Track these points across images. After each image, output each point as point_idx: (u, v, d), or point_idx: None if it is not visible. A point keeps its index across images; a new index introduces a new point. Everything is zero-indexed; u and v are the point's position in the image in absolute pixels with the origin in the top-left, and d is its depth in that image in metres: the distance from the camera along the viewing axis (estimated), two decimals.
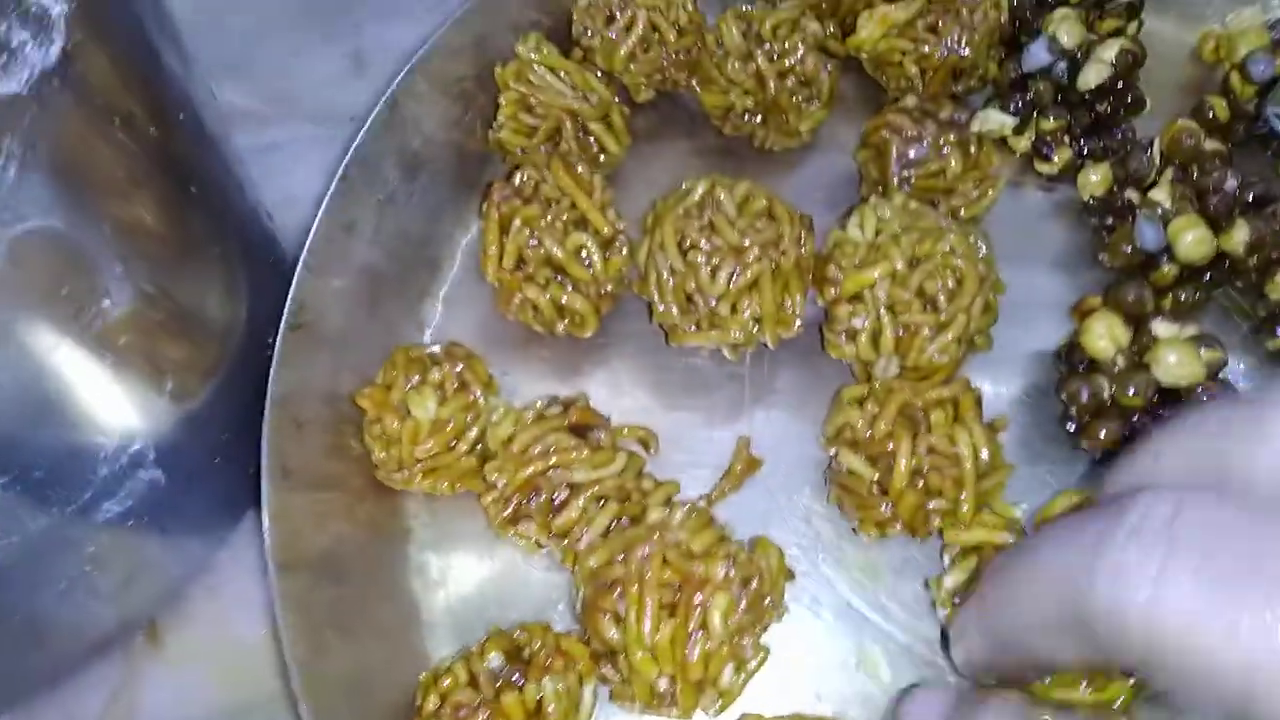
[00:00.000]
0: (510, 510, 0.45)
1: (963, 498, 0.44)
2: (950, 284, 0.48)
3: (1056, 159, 0.61)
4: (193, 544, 0.49)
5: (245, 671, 0.48)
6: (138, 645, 0.49)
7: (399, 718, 0.44)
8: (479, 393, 0.47)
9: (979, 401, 0.47)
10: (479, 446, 0.48)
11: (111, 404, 0.38)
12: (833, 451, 0.48)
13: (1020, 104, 0.60)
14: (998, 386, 0.54)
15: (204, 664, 0.49)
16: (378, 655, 0.46)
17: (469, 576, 0.50)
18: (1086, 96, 0.60)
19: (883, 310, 0.48)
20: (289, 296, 0.46)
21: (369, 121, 0.52)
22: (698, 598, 0.40)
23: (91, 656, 0.48)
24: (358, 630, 0.45)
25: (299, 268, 0.47)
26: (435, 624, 0.49)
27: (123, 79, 0.36)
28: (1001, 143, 0.61)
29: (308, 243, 0.48)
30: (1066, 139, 0.61)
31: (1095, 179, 0.60)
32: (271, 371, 0.45)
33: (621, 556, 0.42)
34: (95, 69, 0.33)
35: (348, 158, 0.51)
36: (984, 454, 0.45)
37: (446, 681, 0.42)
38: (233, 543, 0.51)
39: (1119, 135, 0.61)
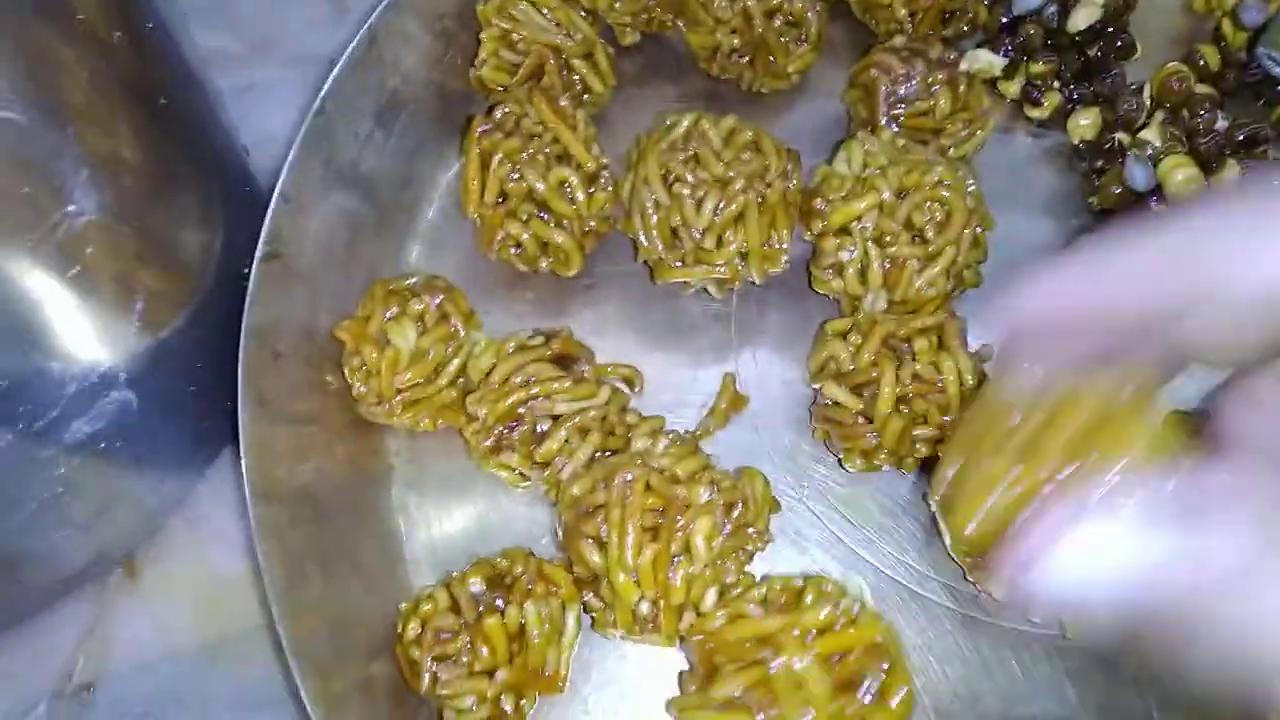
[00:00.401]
0: (492, 440, 0.45)
1: (948, 420, 0.44)
2: (939, 216, 0.48)
3: (1046, 103, 0.60)
4: (169, 476, 0.48)
5: (224, 605, 0.47)
6: (114, 580, 0.48)
7: (382, 647, 0.43)
8: (459, 325, 0.47)
9: (964, 330, 0.46)
10: (460, 380, 0.47)
11: (79, 320, 0.37)
12: (817, 386, 0.48)
13: (1010, 48, 0.60)
14: (986, 327, 0.53)
15: (182, 598, 0.48)
16: (359, 587, 0.45)
17: (452, 514, 0.49)
18: (1076, 40, 0.60)
19: (870, 243, 0.48)
20: (264, 226, 0.46)
21: (346, 55, 0.51)
22: (680, 521, 0.40)
23: (66, 591, 0.47)
24: (338, 563, 0.45)
25: (274, 197, 0.46)
26: (418, 560, 0.48)
27: (97, 4, 0.36)
28: (992, 87, 0.61)
29: (283, 173, 0.47)
30: (1056, 83, 0.61)
31: (1085, 122, 0.59)
32: (247, 299, 0.44)
33: (604, 484, 0.41)
34: None
35: (324, 90, 0.50)
36: (969, 379, 0.44)
37: (427, 606, 0.41)
38: (211, 477, 0.50)
39: (1109, 80, 0.60)
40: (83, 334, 0.38)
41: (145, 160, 0.40)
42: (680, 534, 0.40)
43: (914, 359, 0.45)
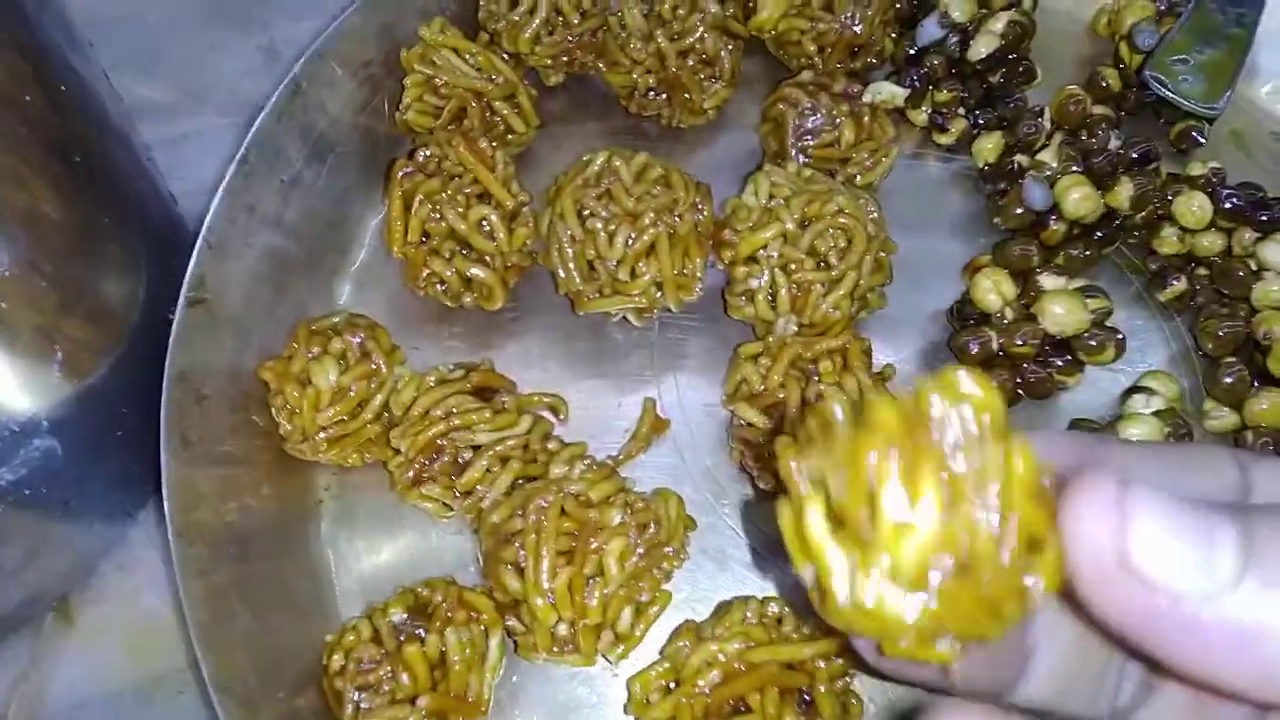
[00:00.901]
0: (414, 473, 0.46)
1: None
2: (841, 243, 0.50)
3: (952, 129, 0.63)
4: (99, 520, 0.49)
5: (157, 645, 0.48)
6: (48, 624, 0.49)
7: (309, 680, 0.44)
8: (381, 361, 0.48)
9: (868, 352, 0.49)
10: (385, 415, 0.49)
11: None
12: (732, 408, 0.49)
13: (916, 78, 0.62)
14: (898, 347, 0.56)
15: (115, 639, 0.49)
16: (286, 622, 0.46)
17: (380, 546, 0.50)
18: (978, 68, 0.63)
19: (777, 270, 0.50)
20: (187, 273, 0.47)
21: (269, 104, 0.53)
22: (593, 543, 0.41)
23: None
24: (265, 599, 0.46)
25: (198, 244, 0.48)
26: (347, 592, 0.49)
27: (9, 69, 0.37)
28: (901, 115, 0.63)
29: (207, 220, 0.49)
30: (961, 110, 0.63)
31: (988, 146, 0.62)
32: (170, 346, 0.45)
33: (521, 510, 0.43)
34: None
35: (247, 140, 0.51)
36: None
37: (350, 637, 0.42)
38: (143, 519, 0.51)
39: (1011, 105, 0.63)
40: (2, 384, 0.39)
41: (64, 214, 0.41)
42: (594, 556, 0.41)
43: (819, 380, 0.47)
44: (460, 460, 0.46)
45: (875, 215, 0.52)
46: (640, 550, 0.42)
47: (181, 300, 0.47)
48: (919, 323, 0.57)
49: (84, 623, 0.49)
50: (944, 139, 0.63)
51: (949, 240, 0.61)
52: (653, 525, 0.43)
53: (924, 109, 0.63)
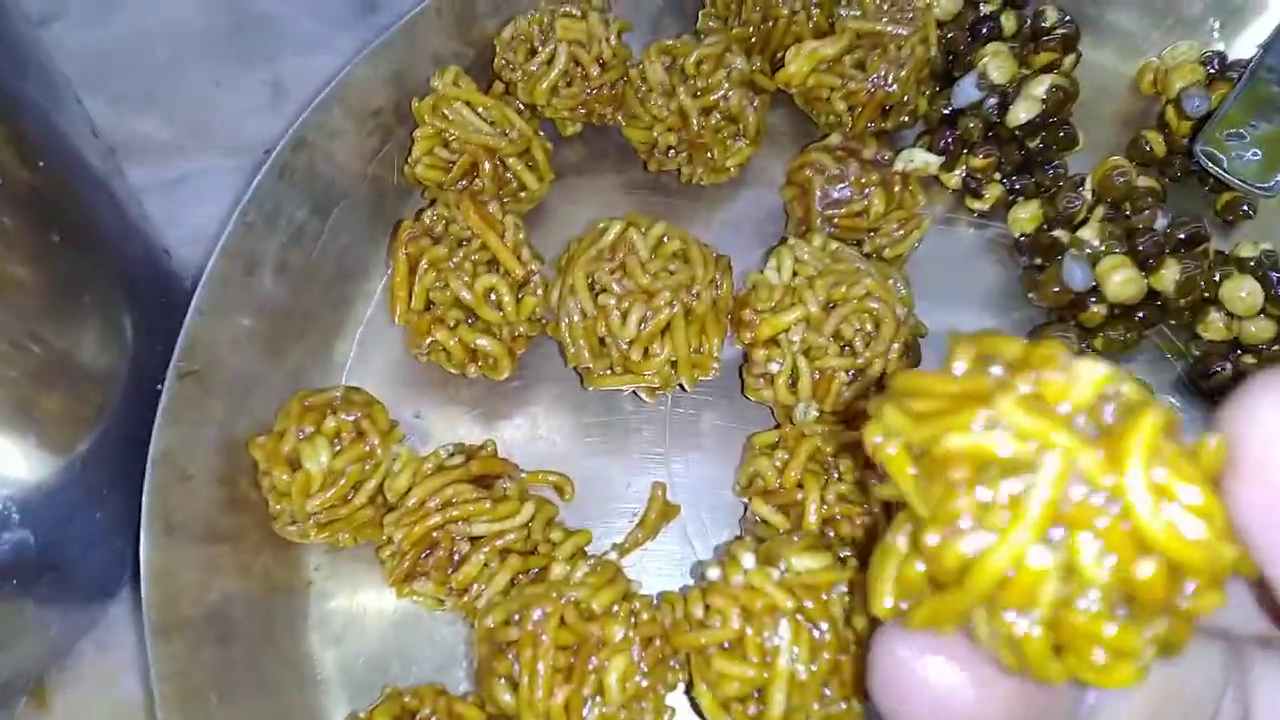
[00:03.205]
0: (406, 566, 0.43)
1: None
2: (867, 328, 0.47)
3: (987, 195, 0.60)
4: (76, 606, 0.46)
5: None
6: (21, 709, 0.46)
7: None
8: (376, 442, 0.46)
9: None
10: (379, 498, 0.46)
11: None
12: (746, 501, 0.47)
13: (949, 141, 0.59)
14: None
15: None
16: (265, 714, 0.44)
17: (371, 630, 0.48)
18: (1017, 133, 0.59)
19: (798, 355, 0.47)
20: (178, 343, 0.45)
21: (271, 159, 0.50)
22: (593, 661, 0.39)
23: None
24: (243, 691, 0.43)
25: (190, 311, 0.45)
26: (329, 681, 0.47)
27: None
28: (933, 179, 0.60)
29: (200, 286, 0.46)
30: (997, 175, 0.60)
31: (1025, 216, 0.59)
32: (155, 425, 0.43)
33: (518, 617, 0.40)
34: None
35: (247, 196, 0.49)
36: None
37: None
38: (124, 597, 0.49)
39: (1050, 171, 0.60)
40: None
41: (39, 280, 0.39)
42: (594, 675, 0.39)
43: (840, 478, 0.44)
44: (456, 555, 0.43)
45: (904, 294, 0.49)
46: (644, 668, 0.39)
47: (171, 373, 0.44)
48: None
49: (60, 707, 0.47)
50: (978, 205, 0.60)
51: (980, 314, 0.58)
52: (658, 638, 0.40)
53: (958, 171, 0.60)
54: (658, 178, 0.61)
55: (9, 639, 0.42)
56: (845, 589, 0.38)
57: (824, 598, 0.37)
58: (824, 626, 0.37)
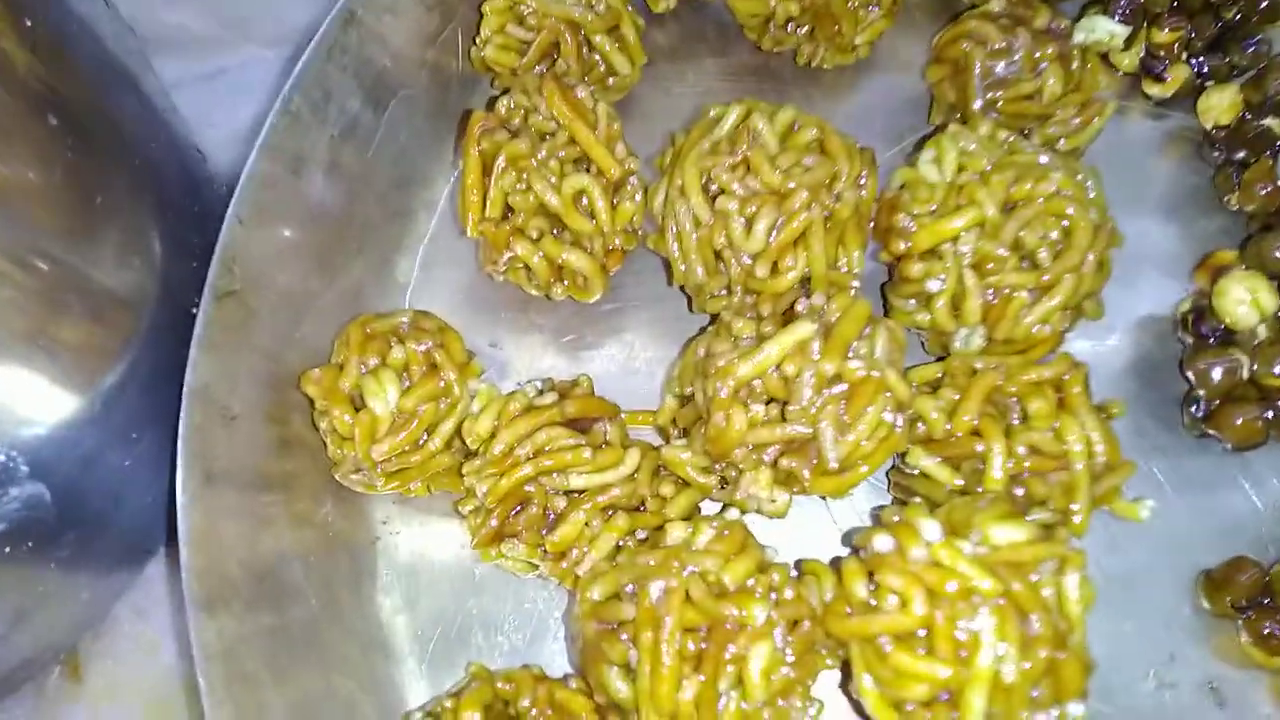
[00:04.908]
0: (495, 526, 0.36)
1: (1075, 508, 0.34)
2: (1056, 236, 0.38)
3: (1170, 78, 0.50)
4: (109, 566, 0.40)
5: (176, 707, 0.40)
6: (53, 681, 0.41)
7: None
8: (453, 377, 0.38)
9: (1087, 382, 0.37)
10: (456, 442, 0.39)
11: None
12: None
13: (1127, 10, 0.49)
14: (1100, 361, 0.43)
15: (130, 701, 0.40)
16: (328, 696, 0.37)
17: (447, 594, 0.42)
18: (1210, 1, 0.49)
19: (967, 269, 0.38)
20: (214, 257, 0.37)
21: (318, 36, 0.42)
22: (730, 649, 0.31)
23: None
24: (302, 669, 0.37)
25: (227, 219, 0.38)
26: (402, 654, 0.40)
27: None
28: (1102, 59, 0.50)
29: (239, 188, 0.38)
30: (1184, 54, 0.50)
31: (1221, 103, 0.49)
32: (190, 355, 0.35)
33: (632, 589, 0.33)
34: None
35: (290, 81, 0.41)
36: (1099, 450, 0.35)
37: None
38: (163, 554, 0.42)
39: (1251, 49, 0.49)
40: None
41: (52, 187, 0.31)
42: (731, 665, 0.31)
43: (1028, 424, 0.35)
44: (551, 512, 0.36)
45: (1096, 195, 0.39)
46: (790, 657, 0.32)
47: (207, 292, 0.37)
48: (1128, 331, 0.45)
49: (94, 680, 0.41)
50: (1157, 90, 0.50)
51: (1163, 223, 0.48)
52: (806, 620, 0.32)
53: (1135, 50, 0.50)
54: (766, 62, 0.52)
55: (30, 608, 0.36)
56: (1055, 566, 0.30)
57: (1032, 579, 0.29)
58: (1035, 617, 0.29)
